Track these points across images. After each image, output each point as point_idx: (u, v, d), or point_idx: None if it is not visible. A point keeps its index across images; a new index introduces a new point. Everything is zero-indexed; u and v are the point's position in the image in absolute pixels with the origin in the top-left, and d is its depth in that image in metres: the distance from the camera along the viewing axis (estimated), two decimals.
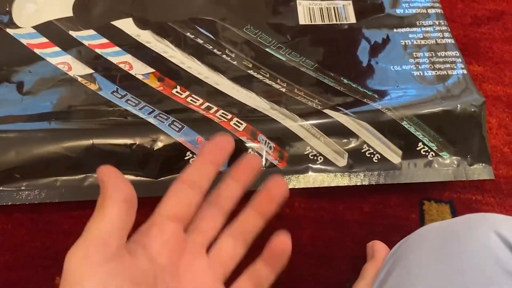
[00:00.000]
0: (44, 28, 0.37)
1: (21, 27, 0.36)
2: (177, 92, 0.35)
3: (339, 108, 0.35)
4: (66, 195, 0.32)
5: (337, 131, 0.35)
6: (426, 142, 0.36)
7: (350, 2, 0.42)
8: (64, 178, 0.32)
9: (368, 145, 0.35)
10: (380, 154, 0.35)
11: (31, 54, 0.36)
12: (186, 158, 0.33)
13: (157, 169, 0.33)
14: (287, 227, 0.35)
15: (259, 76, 0.37)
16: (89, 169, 0.32)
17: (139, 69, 0.36)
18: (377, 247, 0.31)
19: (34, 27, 0.36)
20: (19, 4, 0.37)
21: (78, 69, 0.35)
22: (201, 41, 0.38)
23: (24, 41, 0.36)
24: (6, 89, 0.35)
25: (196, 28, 0.39)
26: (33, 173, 0.32)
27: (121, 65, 0.36)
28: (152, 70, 0.36)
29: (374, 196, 0.37)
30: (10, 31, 0.36)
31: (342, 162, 0.35)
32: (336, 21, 0.41)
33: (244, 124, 0.34)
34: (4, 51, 0.36)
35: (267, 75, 0.37)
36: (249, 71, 0.37)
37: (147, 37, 0.38)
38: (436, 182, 0.36)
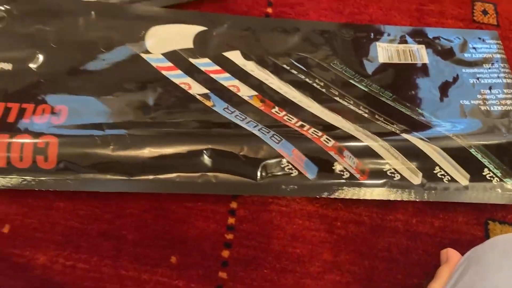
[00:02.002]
0: (170, 55, 0.45)
1: (152, 53, 0.45)
2: (275, 111, 0.42)
3: (415, 133, 0.41)
4: (183, 188, 0.39)
5: (413, 153, 0.40)
6: (491, 169, 0.40)
7: (423, 46, 0.48)
8: (184, 174, 0.39)
9: (440, 167, 0.40)
10: (450, 175, 0.40)
11: (159, 75, 0.44)
12: (282, 165, 0.39)
13: (258, 172, 0.39)
14: (366, 233, 0.40)
15: (344, 102, 0.43)
16: (204, 169, 0.39)
17: (245, 91, 0.43)
18: (451, 253, 0.35)
19: (162, 54, 0.45)
20: (151, 35, 0.46)
21: (196, 88, 0.43)
22: (295, 72, 0.45)
23: (154, 64, 0.44)
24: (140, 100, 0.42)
25: (291, 61, 0.46)
26: (160, 169, 0.39)
27: (231, 88, 0.43)
28: (256, 93, 0.43)
29: (444, 213, 0.41)
30: (143, 55, 0.45)
31: (417, 180, 0.40)
32: (411, 60, 0.47)
33: (332, 141, 0.40)
34: (139, 71, 0.44)
35: (351, 102, 0.43)
36: (335, 98, 0.44)
37: (251, 67, 0.45)
38: (500, 205, 0.41)
